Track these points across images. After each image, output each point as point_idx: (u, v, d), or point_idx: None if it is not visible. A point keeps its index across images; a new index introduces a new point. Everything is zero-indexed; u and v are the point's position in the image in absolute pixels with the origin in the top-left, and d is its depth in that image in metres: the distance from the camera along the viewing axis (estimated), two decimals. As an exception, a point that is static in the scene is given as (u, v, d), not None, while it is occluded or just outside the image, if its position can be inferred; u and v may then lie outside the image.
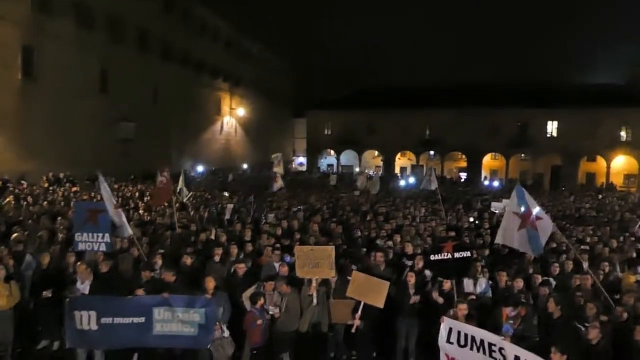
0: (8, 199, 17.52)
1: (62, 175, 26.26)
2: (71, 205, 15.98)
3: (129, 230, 9.60)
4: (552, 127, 51.85)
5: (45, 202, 17.25)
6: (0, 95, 24.55)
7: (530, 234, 7.79)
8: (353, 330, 7.51)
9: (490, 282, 8.47)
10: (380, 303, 7.27)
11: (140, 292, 7.50)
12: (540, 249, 7.97)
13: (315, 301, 7.64)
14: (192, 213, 16.11)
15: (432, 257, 7.77)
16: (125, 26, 34.22)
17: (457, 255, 7.54)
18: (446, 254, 7.56)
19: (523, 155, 53.66)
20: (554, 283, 8.61)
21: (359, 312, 7.46)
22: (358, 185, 25.42)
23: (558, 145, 50.14)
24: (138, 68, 35.33)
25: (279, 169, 20.09)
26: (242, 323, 7.56)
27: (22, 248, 9.57)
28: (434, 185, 17.34)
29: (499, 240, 8.57)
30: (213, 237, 11.27)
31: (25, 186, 22.26)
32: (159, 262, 8.70)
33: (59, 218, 13.58)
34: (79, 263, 8.10)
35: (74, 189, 21.62)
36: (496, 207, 19.46)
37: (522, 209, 7.93)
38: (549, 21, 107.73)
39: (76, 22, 29.70)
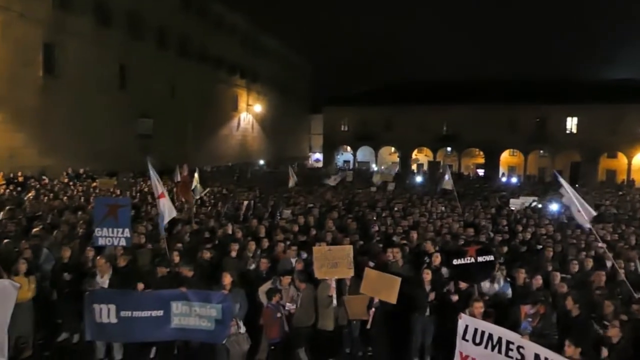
0: (29, 194, 17.83)
1: (81, 171, 26.64)
2: (90, 200, 16.27)
3: (173, 213, 9.51)
4: (572, 123, 51.09)
5: (65, 197, 17.52)
6: (22, 92, 24.94)
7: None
8: (368, 326, 7.51)
9: (508, 280, 8.39)
10: (392, 299, 7.25)
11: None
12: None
13: (334, 302, 7.65)
14: (209, 208, 16.22)
15: (455, 262, 7.57)
16: (144, 23, 34.52)
17: (480, 259, 7.40)
18: (469, 258, 7.43)
19: (541, 151, 52.96)
20: (571, 280, 8.51)
21: (373, 308, 7.45)
22: (374, 181, 25.35)
23: (577, 141, 49.43)
24: (156, 64, 35.63)
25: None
26: (258, 319, 7.62)
27: (39, 242, 9.73)
28: (450, 185, 17.18)
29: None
30: (230, 232, 11.33)
31: (45, 181, 22.64)
32: (176, 258, 8.78)
33: (79, 212, 13.80)
34: (98, 257, 8.20)
35: (93, 184, 21.91)
36: (514, 203, 19.30)
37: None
38: (568, 16, 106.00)
39: (95, 19, 30.05)
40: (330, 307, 7.72)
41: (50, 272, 8.76)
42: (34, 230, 10.80)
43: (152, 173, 9.50)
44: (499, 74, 62.66)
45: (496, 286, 8.11)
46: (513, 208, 18.21)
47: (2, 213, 13.17)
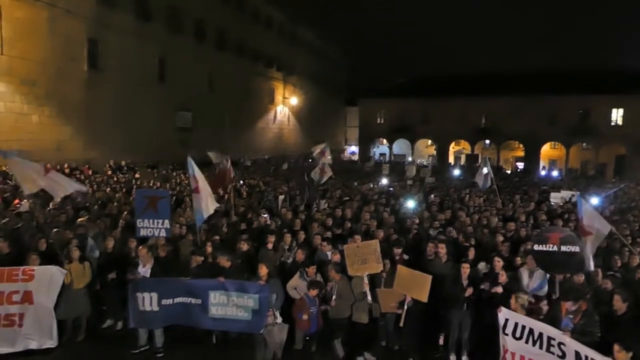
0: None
1: (123, 163, 27.42)
2: (132, 192, 16.76)
3: (209, 210, 9.68)
4: (617, 115, 49.15)
5: (108, 189, 18.09)
6: (68, 86, 25.81)
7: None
8: (401, 324, 7.48)
9: (548, 275, 8.19)
10: (423, 297, 7.20)
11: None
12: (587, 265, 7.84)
13: (369, 298, 7.68)
14: (247, 200, 16.43)
15: (536, 247, 7.33)
16: (182, 17, 35.10)
17: (563, 248, 7.05)
18: (551, 246, 7.10)
19: (584, 144, 51.23)
20: (615, 277, 8.24)
21: (405, 305, 7.42)
22: (407, 174, 25.08)
23: (623, 133, 47.54)
24: (194, 58, 36.22)
25: (325, 159, 19.43)
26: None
27: (84, 232, 10.10)
28: (488, 182, 16.82)
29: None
30: (272, 224, 11.46)
31: (90, 173, 23.43)
32: (209, 249, 8.96)
33: (118, 203, 14.25)
34: (140, 247, 8.46)
35: (136, 176, 22.52)
36: (555, 197, 18.80)
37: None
38: (613, 2, 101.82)
39: (136, 14, 30.75)
40: (364, 301, 7.76)
41: (95, 262, 9.09)
42: (79, 220, 11.21)
43: (191, 168, 9.66)
44: (540, 64, 60.77)
45: (535, 282, 7.95)
46: (554, 202, 17.73)
47: (51, 203, 13.73)
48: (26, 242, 9.60)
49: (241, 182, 21.89)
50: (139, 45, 30.64)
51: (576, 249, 7.10)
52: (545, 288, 7.87)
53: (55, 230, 9.81)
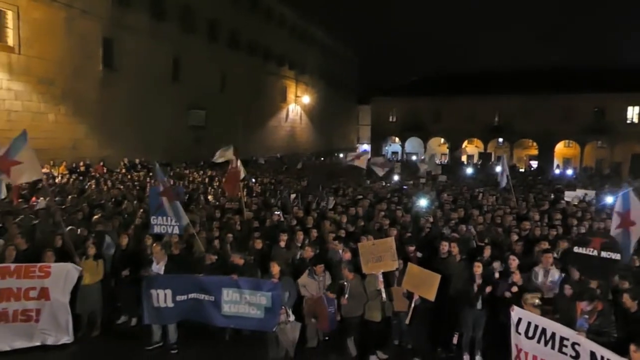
0: (91, 183, 18.71)
1: (137, 161, 27.66)
2: (146, 190, 16.91)
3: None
4: (633, 113, 48.54)
5: (122, 186, 18.27)
6: (84, 85, 26.08)
7: (624, 235, 7.62)
8: (407, 322, 7.47)
9: (563, 274, 8.12)
10: (431, 296, 7.17)
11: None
12: (628, 256, 7.67)
13: (384, 296, 7.67)
14: (259, 198, 16.48)
15: (576, 249, 7.25)
16: (196, 16, 35.28)
17: (604, 254, 6.94)
18: (592, 250, 7.01)
19: (599, 142, 50.58)
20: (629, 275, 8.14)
21: (412, 304, 7.40)
22: (420, 173, 24.97)
23: (639, 131, 46.85)
24: (207, 57, 36.39)
25: (360, 163, 19.64)
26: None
27: (102, 228, 10.22)
28: (504, 180, 16.66)
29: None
30: (285, 222, 11.50)
31: (104, 170, 23.67)
32: (217, 245, 9.00)
33: (135, 202, 14.40)
34: (154, 244, 8.54)
35: (149, 174, 22.69)
36: (570, 196, 18.63)
37: (623, 209, 8.00)
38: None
39: (151, 14, 30.96)
40: (378, 299, 7.75)
41: (110, 259, 9.19)
42: (94, 217, 11.35)
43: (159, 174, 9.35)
44: (554, 61, 59.97)
45: (550, 280, 7.89)
46: (568, 200, 17.56)
47: (67, 201, 13.93)
48: (42, 239, 9.73)
49: (253, 180, 21.98)
50: (153, 45, 30.86)
51: (617, 256, 6.98)
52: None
53: (69, 227, 9.94)
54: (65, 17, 24.72)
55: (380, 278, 7.73)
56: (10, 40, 22.23)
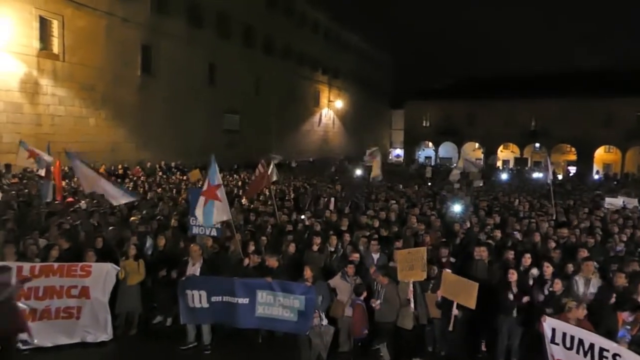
0: (128, 185, 19.19)
1: (173, 164, 28.25)
2: (181, 192, 17.24)
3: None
4: (678, 117, 46.72)
5: (160, 189, 18.67)
6: (123, 90, 26.88)
7: None
8: (450, 328, 7.37)
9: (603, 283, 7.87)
10: (471, 304, 7.06)
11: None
12: None
13: (412, 306, 7.62)
14: (292, 202, 16.57)
15: None
16: (231, 22, 35.88)
17: None
18: None
19: (642, 148, 48.91)
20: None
21: (454, 309, 7.31)
22: (451, 178, 24.58)
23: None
24: (242, 62, 36.93)
25: (375, 163, 19.40)
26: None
27: (143, 229, 10.47)
28: (550, 177, 16.17)
29: None
30: (316, 226, 11.53)
31: (141, 173, 24.27)
32: (252, 247, 9.09)
33: (171, 204, 14.69)
34: (191, 245, 8.68)
35: (184, 177, 23.15)
36: (610, 202, 18.03)
37: None
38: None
39: (187, 21, 31.66)
40: (408, 308, 7.69)
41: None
42: (132, 219, 11.63)
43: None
44: (595, 64, 58.17)
45: (591, 289, 7.65)
46: (609, 207, 16.99)
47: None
48: (85, 239, 10.03)
49: (286, 184, 22.13)
50: (189, 51, 31.53)
51: None
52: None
53: (111, 228, 10.21)
54: (106, 25, 25.54)
55: (411, 287, 7.66)
56: (56, 48, 23.11)
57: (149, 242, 9.68)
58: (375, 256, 8.93)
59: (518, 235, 10.76)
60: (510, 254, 8.57)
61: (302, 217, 12.56)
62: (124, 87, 26.92)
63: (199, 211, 8.57)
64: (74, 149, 22.60)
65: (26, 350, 7.60)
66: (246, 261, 8.57)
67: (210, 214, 8.47)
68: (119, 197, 11.42)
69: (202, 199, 8.53)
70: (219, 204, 8.45)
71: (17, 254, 8.24)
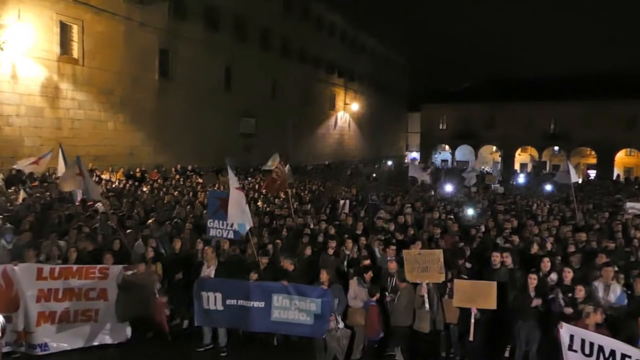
0: (145, 188, 19.39)
1: (189, 168, 28.46)
2: (197, 195, 17.36)
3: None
4: (701, 119, 45.72)
5: (176, 192, 18.81)
6: (141, 94, 27.16)
7: None
8: (471, 338, 7.28)
9: (625, 290, 7.71)
10: (491, 305, 6.99)
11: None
12: None
13: (427, 306, 7.55)
14: (309, 206, 16.58)
15: None
16: (248, 26, 36.03)
17: None
18: None
19: (665, 151, 47.99)
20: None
21: (472, 318, 7.22)
22: (466, 182, 24.35)
23: None
24: (259, 65, 37.05)
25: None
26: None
27: (150, 233, 10.53)
28: (574, 178, 15.86)
29: None
30: (331, 229, 11.50)
31: (158, 177, 24.47)
32: (270, 250, 9.08)
33: (188, 207, 14.80)
34: (206, 247, 8.73)
35: (198, 180, 23.28)
36: (631, 207, 17.69)
37: None
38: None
39: (205, 25, 31.89)
40: (424, 310, 7.62)
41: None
42: (148, 222, 11.74)
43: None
44: (615, 66, 57.27)
45: (612, 296, 7.50)
46: (631, 211, 16.67)
47: (123, 205, 14.48)
48: (103, 241, 10.15)
49: (302, 187, 22.14)
50: (206, 55, 31.74)
51: None
52: (625, 303, 7.42)
53: (128, 231, 10.31)
54: (125, 29, 25.84)
55: (425, 288, 7.59)
56: (75, 53, 23.44)
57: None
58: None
59: (548, 244, 10.49)
60: (547, 264, 8.21)
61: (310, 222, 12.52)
62: (142, 90, 27.19)
63: (234, 211, 8.45)
64: (93, 152, 22.99)
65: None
66: (261, 264, 8.58)
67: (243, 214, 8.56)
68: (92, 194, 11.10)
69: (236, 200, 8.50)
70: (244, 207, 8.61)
71: (38, 256, 8.37)
